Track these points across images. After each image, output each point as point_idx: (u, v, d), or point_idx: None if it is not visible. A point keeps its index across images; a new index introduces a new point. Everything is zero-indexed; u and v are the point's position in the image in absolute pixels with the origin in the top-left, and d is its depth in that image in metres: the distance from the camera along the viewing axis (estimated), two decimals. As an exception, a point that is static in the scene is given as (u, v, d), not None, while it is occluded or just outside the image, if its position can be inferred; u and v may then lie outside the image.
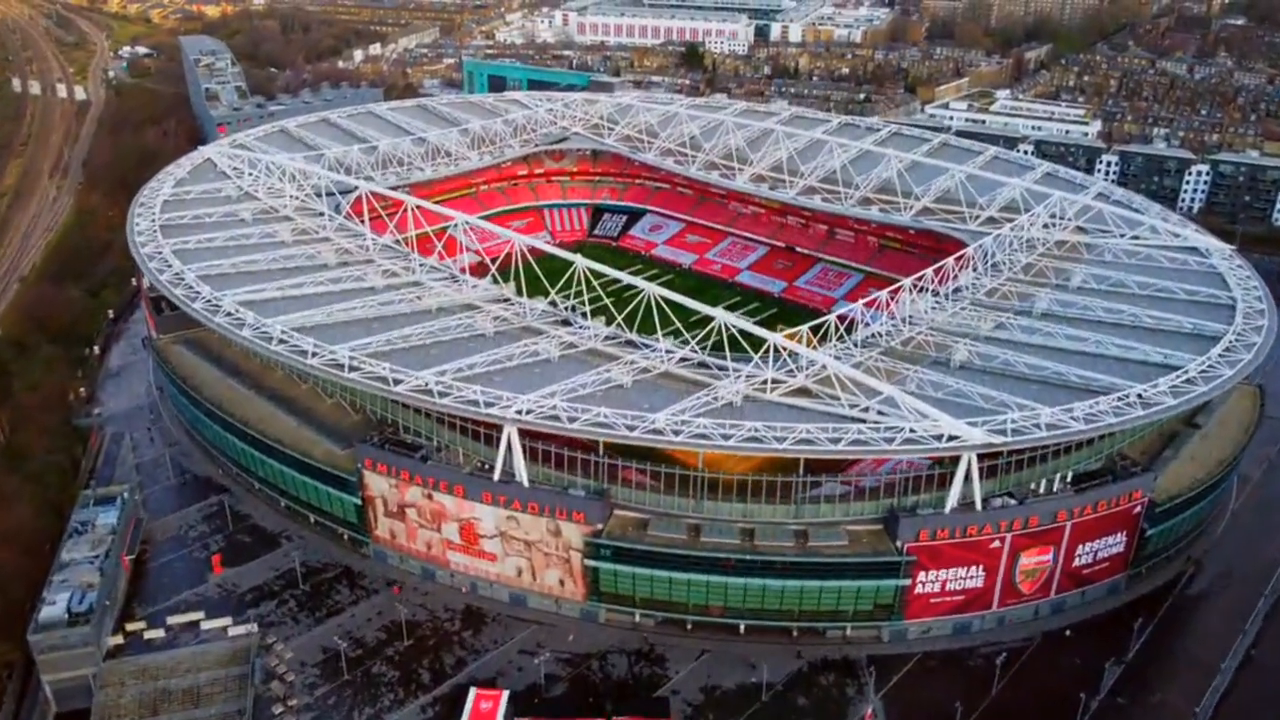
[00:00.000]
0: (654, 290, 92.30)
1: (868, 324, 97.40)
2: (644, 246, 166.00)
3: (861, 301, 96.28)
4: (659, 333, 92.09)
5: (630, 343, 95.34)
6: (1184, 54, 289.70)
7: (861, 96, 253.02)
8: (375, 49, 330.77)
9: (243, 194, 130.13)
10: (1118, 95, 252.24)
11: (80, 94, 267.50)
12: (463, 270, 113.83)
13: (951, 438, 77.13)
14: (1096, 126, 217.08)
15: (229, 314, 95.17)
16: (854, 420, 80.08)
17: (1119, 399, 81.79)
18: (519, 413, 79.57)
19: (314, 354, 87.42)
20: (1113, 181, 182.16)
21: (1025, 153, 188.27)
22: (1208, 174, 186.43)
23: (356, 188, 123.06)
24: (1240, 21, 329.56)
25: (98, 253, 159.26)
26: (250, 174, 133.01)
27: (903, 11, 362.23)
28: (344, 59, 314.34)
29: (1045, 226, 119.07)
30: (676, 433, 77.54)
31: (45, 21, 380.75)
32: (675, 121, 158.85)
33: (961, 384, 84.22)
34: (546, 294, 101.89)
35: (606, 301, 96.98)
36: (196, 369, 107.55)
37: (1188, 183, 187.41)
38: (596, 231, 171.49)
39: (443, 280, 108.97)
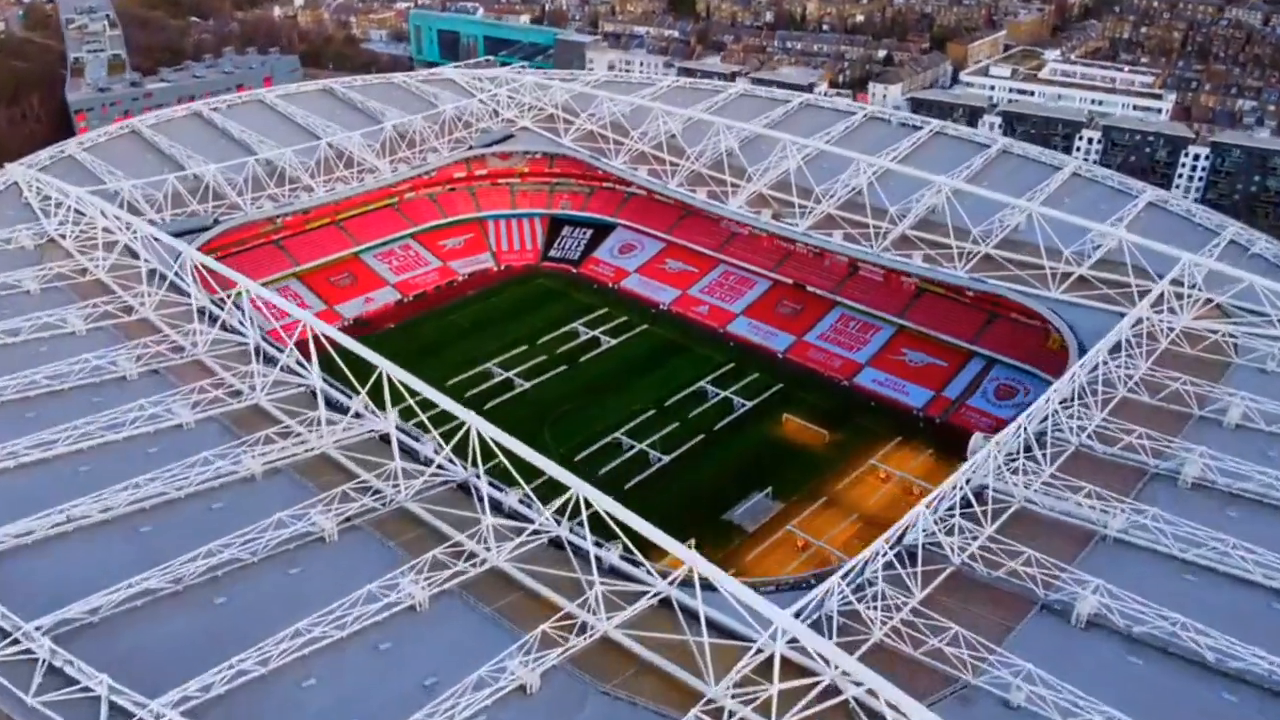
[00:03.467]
0: (588, 492, 56.30)
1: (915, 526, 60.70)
2: (612, 276, 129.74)
3: (897, 528, 60.07)
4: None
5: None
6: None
7: (881, 54, 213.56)
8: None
9: (46, 241, 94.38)
10: (1184, 53, 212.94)
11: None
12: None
13: None
14: (1170, 101, 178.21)
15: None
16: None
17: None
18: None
19: None
20: (1200, 181, 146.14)
21: (1090, 141, 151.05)
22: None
23: (180, 251, 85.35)
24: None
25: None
26: (65, 206, 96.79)
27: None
28: (281, 3, 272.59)
29: (1171, 311, 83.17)
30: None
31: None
32: (652, 116, 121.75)
33: (1094, 676, 48.95)
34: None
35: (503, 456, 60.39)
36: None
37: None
38: (553, 252, 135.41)
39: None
